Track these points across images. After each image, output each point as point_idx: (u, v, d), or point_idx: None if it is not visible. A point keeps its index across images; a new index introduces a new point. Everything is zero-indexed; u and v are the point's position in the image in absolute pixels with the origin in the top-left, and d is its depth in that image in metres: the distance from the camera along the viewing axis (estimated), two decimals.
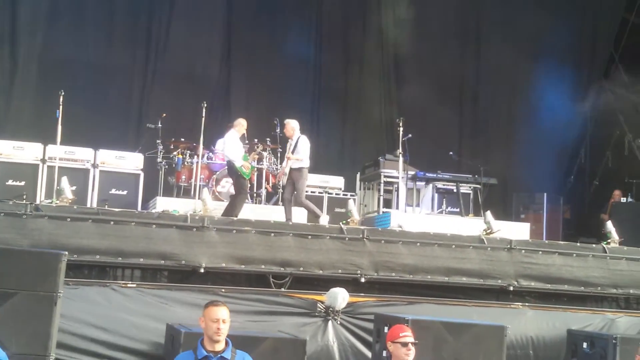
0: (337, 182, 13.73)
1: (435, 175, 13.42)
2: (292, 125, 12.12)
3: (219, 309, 5.84)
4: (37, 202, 10.27)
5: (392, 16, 16.86)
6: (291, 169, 11.84)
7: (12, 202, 9.58)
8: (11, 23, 14.64)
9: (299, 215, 11.76)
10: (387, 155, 13.59)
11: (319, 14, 16.61)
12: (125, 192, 12.08)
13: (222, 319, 5.80)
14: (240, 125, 11.97)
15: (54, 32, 14.95)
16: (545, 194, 15.05)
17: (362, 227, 10.89)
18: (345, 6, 16.84)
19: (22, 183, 11.50)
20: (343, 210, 12.62)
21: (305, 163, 11.87)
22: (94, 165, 12.00)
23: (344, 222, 11.11)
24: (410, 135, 12.78)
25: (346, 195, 13.55)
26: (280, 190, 12.55)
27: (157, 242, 9.62)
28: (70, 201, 10.27)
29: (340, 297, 9.24)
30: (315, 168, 14.04)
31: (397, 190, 13.34)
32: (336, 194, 13.55)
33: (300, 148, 11.90)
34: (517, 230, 12.15)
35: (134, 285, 9.02)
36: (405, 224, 11.51)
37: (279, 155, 13.16)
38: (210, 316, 5.81)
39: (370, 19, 16.89)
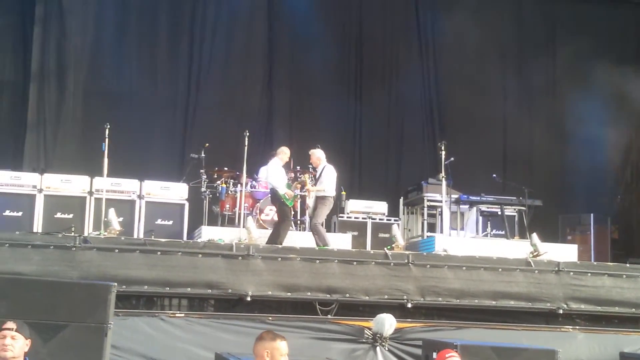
0: (380, 207, 13.69)
1: (479, 198, 13.32)
2: (317, 155, 12.20)
3: (285, 344, 5.53)
4: (86, 234, 10.43)
5: (432, 40, 16.83)
6: (316, 197, 11.91)
7: (61, 235, 9.77)
8: (58, 57, 14.90)
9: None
10: (430, 179, 13.54)
11: (359, 40, 16.64)
12: (170, 222, 12.16)
13: (287, 354, 5.57)
14: (283, 153, 12.04)
15: (99, 65, 15.18)
16: (592, 215, 14.79)
17: (407, 252, 10.87)
18: (384, 30, 16.84)
19: (71, 216, 11.67)
20: (387, 235, 12.59)
21: (329, 192, 11.88)
22: (140, 197, 12.11)
23: (389, 247, 11.12)
24: (452, 159, 12.70)
25: (390, 220, 13.49)
26: (307, 218, 12.61)
27: (204, 271, 9.72)
28: (117, 232, 10.43)
29: (387, 323, 9.21)
30: (358, 194, 14.07)
31: (441, 214, 13.24)
32: (380, 219, 13.50)
33: (324, 178, 11.94)
34: (565, 252, 11.99)
35: (182, 314, 9.10)
36: (450, 248, 11.46)
37: None
38: (281, 351, 5.51)
39: (411, 43, 16.85)
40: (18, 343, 5.42)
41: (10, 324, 5.46)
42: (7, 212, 11.50)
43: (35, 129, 14.54)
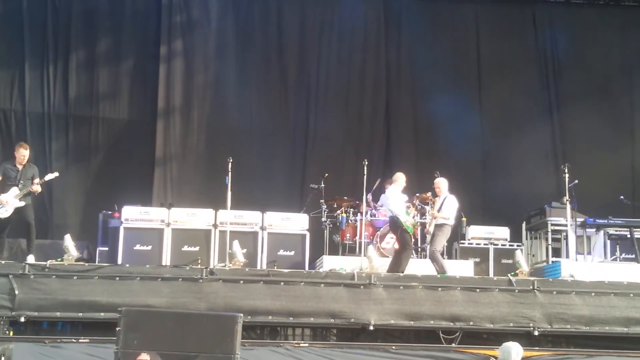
0: (502, 232, 13.47)
1: (606, 221, 12.86)
2: (442, 185, 12.11)
3: None
4: (212, 266, 10.70)
5: (552, 59, 16.44)
6: (435, 225, 11.83)
7: (188, 268, 10.07)
8: (182, 94, 15.45)
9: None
10: (554, 203, 13.20)
11: (477, 62, 16.42)
12: (292, 253, 12.33)
13: None
14: (400, 179, 12.04)
15: (221, 100, 15.62)
16: None
17: (532, 278, 10.66)
18: (502, 50, 16.55)
19: (197, 248, 12.01)
20: (510, 261, 12.36)
21: (449, 221, 11.80)
22: (262, 228, 12.35)
23: (513, 273, 10.90)
24: (577, 181, 12.36)
25: (512, 245, 13.26)
26: (427, 246, 12.52)
27: (326, 300, 9.83)
28: (242, 264, 10.67)
29: (514, 351, 8.91)
30: (481, 220, 13.84)
31: (566, 239, 12.85)
32: (502, 245, 13.28)
33: (445, 208, 11.85)
34: None
35: (306, 344, 9.18)
36: (577, 273, 11.11)
37: None
38: None
39: (531, 62, 16.50)
40: None
41: (144, 356, 5.69)
42: (137, 247, 11.97)
43: (162, 165, 15.09)
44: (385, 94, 16.14)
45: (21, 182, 11.19)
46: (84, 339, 8.63)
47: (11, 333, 9.35)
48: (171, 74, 15.46)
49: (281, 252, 12.25)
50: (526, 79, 16.38)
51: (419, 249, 12.87)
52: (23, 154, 11.36)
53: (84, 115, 15.26)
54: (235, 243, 11.13)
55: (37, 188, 11.28)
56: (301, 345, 9.17)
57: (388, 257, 12.24)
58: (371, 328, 9.77)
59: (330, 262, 11.82)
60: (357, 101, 16.02)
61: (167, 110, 15.35)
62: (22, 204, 11.18)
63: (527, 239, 13.82)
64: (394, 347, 9.23)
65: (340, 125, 15.80)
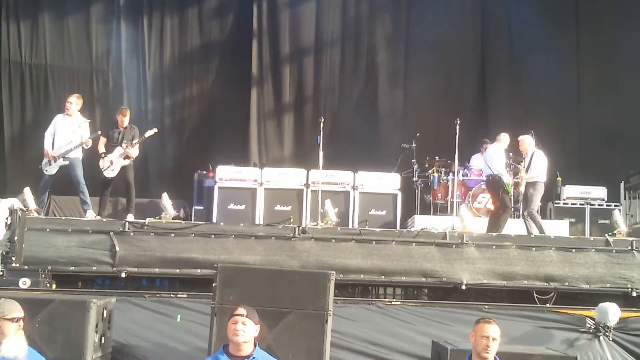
0: (599, 192, 13.18)
1: None
2: (527, 142, 11.85)
3: (490, 327, 5.84)
4: (304, 225, 10.84)
5: None
6: (527, 184, 11.60)
7: (281, 226, 10.22)
8: (273, 55, 15.58)
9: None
10: None
11: (576, 18, 15.86)
12: (384, 212, 12.36)
13: (492, 337, 5.80)
14: (505, 139, 11.82)
15: (313, 63, 15.69)
16: None
17: (631, 239, 10.35)
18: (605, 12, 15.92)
19: (289, 207, 12.17)
20: (607, 221, 12.09)
21: (541, 178, 11.56)
22: (354, 187, 12.41)
23: (610, 233, 10.65)
24: None
25: (610, 205, 12.94)
26: (519, 206, 12.32)
27: (418, 260, 9.83)
28: (334, 223, 10.76)
29: (611, 312, 8.80)
30: (577, 179, 13.51)
31: None
32: (599, 205, 13.02)
33: (534, 165, 11.63)
34: None
35: (398, 302, 9.21)
36: None
37: None
38: (481, 332, 5.83)
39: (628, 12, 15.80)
40: (249, 328, 5.77)
41: (241, 310, 5.82)
42: (231, 206, 12.22)
43: (256, 125, 15.27)
44: (480, 52, 15.85)
45: (124, 142, 11.66)
46: (181, 294, 8.87)
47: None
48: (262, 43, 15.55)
49: (372, 212, 12.30)
50: (626, 33, 15.72)
51: (513, 209, 12.70)
52: (123, 118, 11.77)
53: (179, 76, 15.58)
54: (327, 202, 11.22)
55: (133, 152, 11.67)
56: (393, 303, 9.20)
57: (480, 216, 12.14)
58: (463, 287, 9.75)
59: (421, 222, 11.82)
60: (452, 59, 15.77)
61: (260, 71, 15.46)
62: (127, 162, 11.62)
63: (625, 198, 13.47)
64: (486, 307, 9.14)
65: (434, 84, 15.61)
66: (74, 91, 12.88)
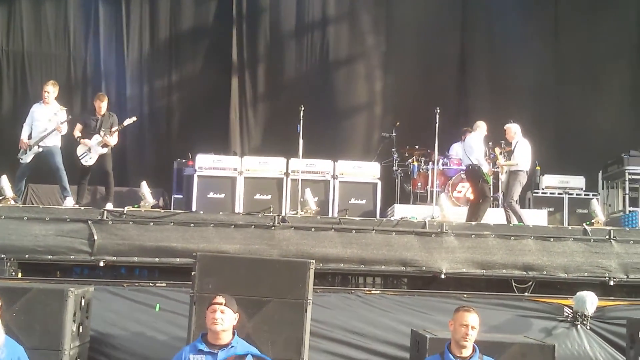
0: (577, 182, 13.25)
1: None
2: (513, 130, 11.88)
3: (469, 315, 5.87)
4: (283, 214, 10.81)
5: None
6: (509, 172, 11.67)
7: (261, 215, 10.20)
8: (253, 42, 15.49)
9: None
10: (632, 152, 12.88)
11: (555, 8, 15.88)
12: (364, 201, 12.38)
13: (471, 325, 5.83)
14: (482, 127, 11.82)
15: (293, 50, 15.66)
16: None
17: (608, 228, 10.43)
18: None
19: (269, 196, 12.18)
20: (585, 211, 12.18)
21: (522, 167, 11.59)
22: (334, 176, 12.42)
23: (588, 223, 10.72)
24: None
25: (588, 195, 13.02)
26: (499, 195, 12.37)
27: (397, 249, 9.84)
28: (313, 212, 10.74)
29: (589, 300, 8.87)
30: (555, 168, 13.57)
31: None
32: (577, 195, 13.10)
33: (517, 152, 11.67)
34: None
35: (378, 292, 9.22)
36: None
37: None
38: (460, 321, 5.85)
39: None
40: (227, 317, 5.75)
41: (220, 299, 5.80)
42: (211, 194, 12.20)
43: (236, 113, 15.21)
44: (460, 40, 15.85)
45: (102, 130, 11.53)
46: (160, 283, 8.83)
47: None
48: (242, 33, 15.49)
49: (352, 201, 12.33)
50: (605, 23, 15.79)
51: (492, 199, 12.74)
52: (101, 104, 11.65)
53: (159, 63, 15.47)
54: (307, 191, 11.21)
55: (112, 140, 11.58)
56: (372, 292, 9.22)
57: (460, 205, 12.17)
58: (442, 276, 9.77)
59: (401, 211, 11.83)
60: (431, 48, 15.74)
61: (240, 58, 15.39)
62: (105, 150, 11.52)
63: (603, 188, 13.57)
64: (465, 295, 9.18)
65: (414, 72, 15.60)
66: (51, 78, 12.71)
